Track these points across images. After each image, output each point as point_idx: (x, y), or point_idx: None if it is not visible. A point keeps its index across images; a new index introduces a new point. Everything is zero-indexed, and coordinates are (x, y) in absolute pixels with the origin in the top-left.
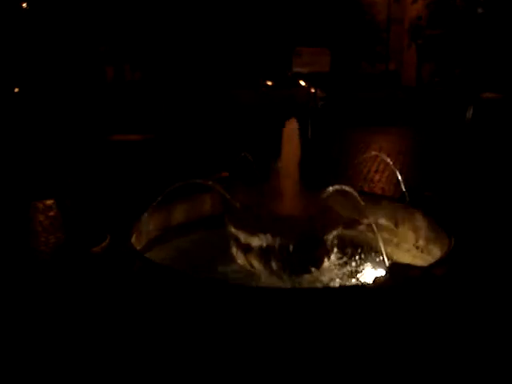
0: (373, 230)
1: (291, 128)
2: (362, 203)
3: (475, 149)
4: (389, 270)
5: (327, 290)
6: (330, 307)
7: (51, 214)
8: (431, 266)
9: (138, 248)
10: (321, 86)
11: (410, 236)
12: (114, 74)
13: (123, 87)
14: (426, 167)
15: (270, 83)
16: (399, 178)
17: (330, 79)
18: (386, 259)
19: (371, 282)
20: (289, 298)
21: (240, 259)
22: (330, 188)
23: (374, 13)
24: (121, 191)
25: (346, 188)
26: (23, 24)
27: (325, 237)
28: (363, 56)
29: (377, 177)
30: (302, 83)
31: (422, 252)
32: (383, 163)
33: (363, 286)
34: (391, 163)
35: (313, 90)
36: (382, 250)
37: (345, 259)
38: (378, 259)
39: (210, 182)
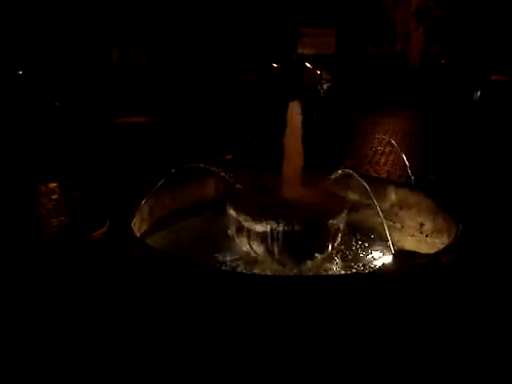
0: (379, 215)
1: (294, 111)
2: (368, 187)
3: (482, 132)
4: (394, 257)
5: (329, 277)
6: (333, 296)
7: (54, 197)
8: (438, 254)
9: (139, 233)
10: (326, 67)
11: (414, 221)
12: (120, 56)
13: (128, 70)
14: (431, 150)
15: (275, 65)
16: (405, 161)
17: (335, 61)
18: (392, 246)
19: (376, 270)
20: (289, 286)
21: (242, 245)
22: (334, 172)
23: None
24: (124, 174)
25: (350, 172)
26: (26, 6)
27: (329, 222)
28: (369, 37)
29: (382, 159)
30: (308, 65)
31: (426, 237)
32: (388, 146)
33: (367, 274)
34: (397, 146)
35: (318, 72)
36: (388, 236)
37: (350, 245)
38: (383, 245)
39: (213, 166)
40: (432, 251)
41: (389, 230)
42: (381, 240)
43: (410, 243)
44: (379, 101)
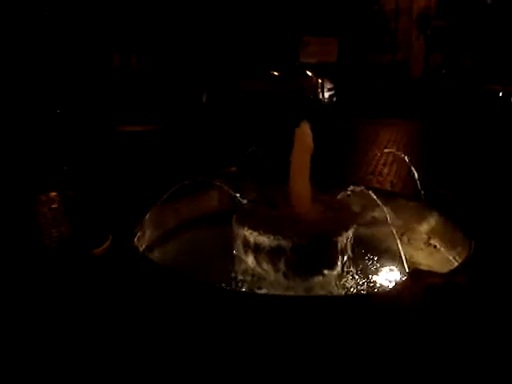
0: (392, 232)
1: (304, 128)
2: (381, 204)
3: (484, 140)
4: (409, 276)
5: (339, 298)
6: (344, 317)
7: (54, 206)
8: (453, 272)
9: (142, 248)
10: (328, 76)
11: (423, 234)
12: (121, 62)
13: (130, 76)
14: (434, 160)
15: (276, 73)
16: (415, 173)
17: (337, 69)
18: (405, 264)
19: (389, 289)
20: (296, 307)
21: (249, 260)
22: (344, 188)
23: (381, 3)
24: (126, 185)
25: (363, 188)
26: (27, 11)
27: (338, 238)
28: (370, 47)
29: (385, 170)
30: (309, 73)
31: (435, 249)
32: (391, 156)
33: (379, 294)
34: (406, 159)
35: (320, 81)
36: (402, 254)
37: (360, 261)
38: (395, 261)
39: (218, 181)
40: (442, 266)
41: (393, 244)
42: (392, 256)
43: (419, 256)
44: (381, 110)
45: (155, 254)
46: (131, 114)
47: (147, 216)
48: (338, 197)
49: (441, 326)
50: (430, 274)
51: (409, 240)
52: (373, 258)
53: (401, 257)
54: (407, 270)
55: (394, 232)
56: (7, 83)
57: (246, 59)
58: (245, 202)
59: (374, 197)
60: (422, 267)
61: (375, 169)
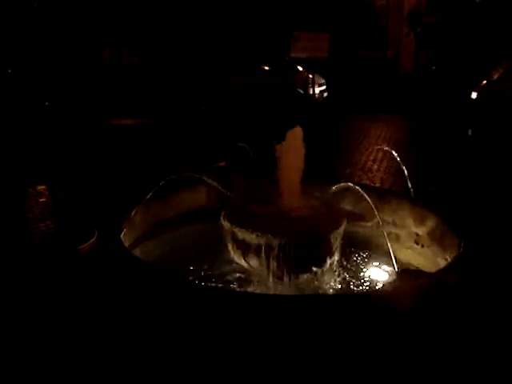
0: (381, 230)
1: (296, 132)
2: (370, 202)
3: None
4: (398, 276)
5: (326, 297)
6: (328, 317)
7: (42, 200)
8: (442, 272)
9: (128, 244)
10: (318, 71)
11: (412, 232)
12: (111, 56)
13: (120, 70)
14: (423, 157)
15: (267, 68)
16: (405, 170)
17: (328, 65)
18: (394, 263)
19: (378, 289)
20: (281, 306)
21: (237, 258)
22: (334, 184)
23: None
24: (114, 179)
25: (351, 185)
26: (16, 3)
27: (327, 235)
28: (361, 42)
29: (375, 166)
30: (300, 68)
31: (422, 247)
32: (381, 152)
33: (368, 294)
34: (396, 156)
35: (310, 76)
36: (391, 253)
37: (350, 259)
38: (384, 260)
39: (205, 176)
40: (430, 265)
41: (381, 242)
42: (381, 254)
43: (407, 254)
44: (372, 106)
45: (142, 251)
46: (121, 108)
47: (134, 212)
48: (328, 193)
49: (430, 325)
50: (419, 273)
51: (398, 238)
52: (363, 256)
53: (390, 256)
54: (396, 270)
55: (384, 231)
56: None
57: (236, 53)
58: (233, 197)
59: (365, 194)
60: (411, 267)
61: (365, 165)
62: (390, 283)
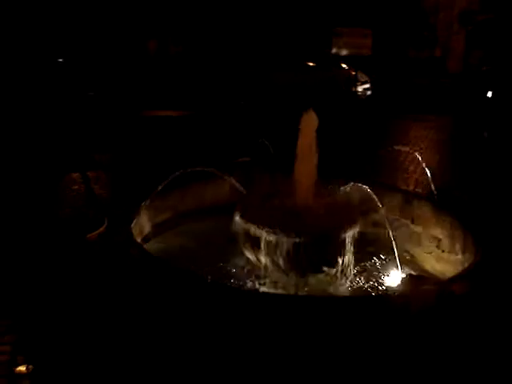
0: (389, 232)
1: (309, 119)
2: (379, 205)
3: None
4: (403, 281)
5: (327, 299)
6: (329, 317)
7: (75, 187)
8: (451, 280)
9: (142, 235)
10: (362, 68)
11: (433, 236)
12: (158, 47)
13: (166, 61)
14: (462, 160)
15: (311, 64)
16: (428, 174)
17: (372, 62)
18: (400, 269)
19: (380, 293)
20: (280, 305)
21: (249, 253)
22: (347, 183)
23: None
24: (144, 170)
25: (361, 185)
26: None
27: (339, 235)
28: (409, 40)
29: (411, 167)
30: (343, 65)
31: (443, 252)
32: (413, 155)
33: (370, 298)
34: (420, 159)
35: (353, 73)
36: (397, 258)
37: (362, 259)
38: (396, 262)
39: (221, 171)
40: (450, 270)
41: (405, 243)
42: (394, 256)
43: (428, 259)
44: (416, 105)
45: (154, 242)
46: (164, 99)
47: (145, 203)
48: (344, 192)
49: (430, 332)
50: (425, 280)
51: (419, 242)
52: (375, 257)
53: (396, 259)
54: (403, 276)
55: (391, 233)
56: (47, 64)
57: (279, 49)
58: (245, 192)
59: (373, 195)
60: (421, 273)
61: (401, 165)
62: (393, 288)
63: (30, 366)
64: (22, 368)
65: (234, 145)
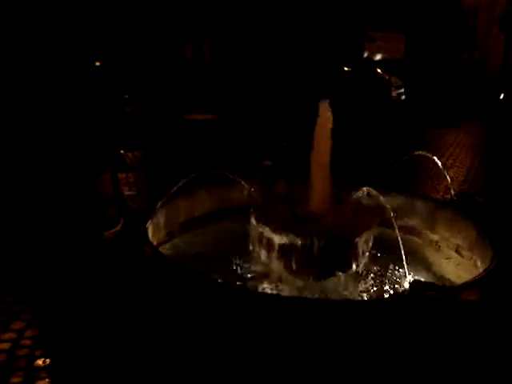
0: (397, 237)
1: (324, 116)
2: (389, 209)
3: None
4: (408, 287)
5: (322, 301)
6: (329, 321)
7: (105, 188)
8: (459, 288)
9: (159, 236)
10: (395, 73)
11: (453, 242)
12: (194, 52)
13: (201, 66)
14: (497, 167)
15: (346, 69)
16: (448, 179)
17: (406, 66)
18: (407, 273)
19: (381, 299)
20: (282, 307)
21: (262, 256)
22: (363, 188)
23: None
24: (172, 172)
25: (371, 190)
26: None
27: (353, 240)
28: (446, 44)
29: (433, 174)
30: (378, 70)
31: (462, 258)
32: (451, 159)
33: (365, 302)
34: (440, 164)
35: (387, 78)
36: (405, 262)
37: (378, 264)
38: (413, 268)
39: (228, 173)
40: (468, 277)
41: (423, 251)
42: (412, 262)
43: (446, 266)
44: (451, 110)
45: (170, 243)
46: (197, 103)
47: (162, 203)
48: (361, 197)
49: (434, 339)
50: (430, 286)
51: (439, 247)
52: (390, 263)
53: (403, 263)
54: (409, 281)
55: (399, 236)
56: (85, 67)
57: (314, 53)
58: (258, 195)
59: (381, 198)
60: (435, 279)
61: (431, 171)
62: (396, 294)
63: (48, 360)
64: (39, 362)
65: (259, 148)
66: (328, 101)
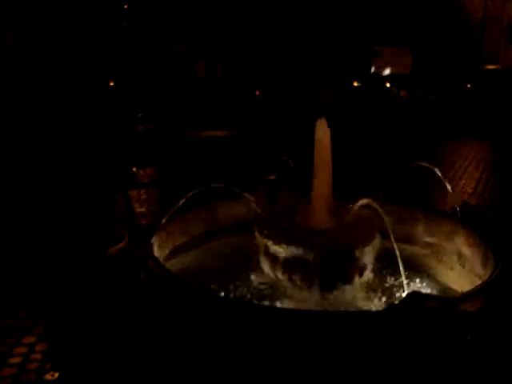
0: (395, 248)
1: (322, 130)
2: (386, 219)
3: None
4: (405, 298)
5: (316, 313)
6: (325, 332)
7: (117, 205)
8: (458, 300)
9: (165, 251)
10: (404, 87)
11: (454, 254)
12: (206, 70)
13: (213, 84)
14: (495, 182)
15: (356, 84)
16: (449, 190)
17: (414, 80)
18: (405, 285)
19: (378, 310)
20: (277, 319)
21: (267, 269)
22: (356, 202)
23: (469, 11)
24: (181, 188)
25: (369, 201)
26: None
27: (354, 252)
28: (455, 57)
29: (435, 185)
30: (387, 84)
31: (463, 268)
32: (460, 171)
33: (366, 314)
34: (440, 174)
35: (396, 92)
36: (403, 273)
37: (382, 277)
38: (416, 280)
39: (232, 187)
40: (470, 287)
41: (424, 262)
42: (416, 274)
43: (448, 276)
44: (460, 123)
45: (177, 259)
46: (208, 120)
47: (166, 219)
48: (363, 209)
49: (428, 351)
50: (428, 297)
51: (440, 259)
52: (392, 275)
53: (401, 274)
54: (408, 292)
55: (395, 245)
56: (99, 87)
57: (325, 69)
58: (260, 210)
59: (380, 209)
60: (438, 289)
61: (426, 182)
62: (393, 305)
63: (56, 374)
64: (49, 376)
65: (263, 163)
66: (324, 119)
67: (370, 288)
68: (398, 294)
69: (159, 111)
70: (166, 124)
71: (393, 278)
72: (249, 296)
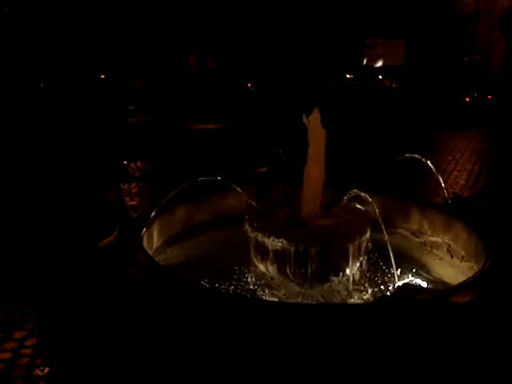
0: (386, 240)
1: (315, 120)
2: (377, 211)
3: None
4: (396, 290)
5: (310, 306)
6: (313, 325)
7: (108, 199)
8: (445, 292)
9: (155, 244)
10: (397, 79)
11: (444, 244)
12: (197, 62)
13: (205, 76)
14: (499, 172)
15: (348, 76)
16: (441, 182)
17: (406, 72)
18: (397, 277)
19: (368, 302)
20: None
21: (257, 263)
22: (355, 192)
23: (461, 3)
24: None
25: (361, 194)
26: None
27: (346, 244)
28: (447, 49)
29: (426, 177)
30: (380, 76)
31: (452, 259)
32: (452, 163)
33: (356, 306)
34: (432, 166)
35: (389, 84)
36: (394, 266)
37: (375, 269)
38: (409, 272)
39: (223, 180)
40: (461, 278)
41: (416, 253)
42: (407, 266)
43: (439, 267)
44: (452, 116)
45: (166, 252)
46: (201, 113)
47: (156, 211)
48: (354, 201)
49: (419, 344)
50: (419, 289)
51: (432, 249)
52: (384, 267)
53: (392, 266)
54: (398, 285)
55: (386, 236)
56: (89, 80)
57: (315, 60)
58: (251, 203)
59: (371, 201)
60: (428, 280)
61: (417, 174)
62: (383, 297)
63: (46, 369)
64: (38, 371)
65: (255, 155)
66: (317, 109)
67: (362, 280)
68: (389, 286)
69: (151, 104)
70: (158, 117)
71: (384, 270)
72: (239, 289)
